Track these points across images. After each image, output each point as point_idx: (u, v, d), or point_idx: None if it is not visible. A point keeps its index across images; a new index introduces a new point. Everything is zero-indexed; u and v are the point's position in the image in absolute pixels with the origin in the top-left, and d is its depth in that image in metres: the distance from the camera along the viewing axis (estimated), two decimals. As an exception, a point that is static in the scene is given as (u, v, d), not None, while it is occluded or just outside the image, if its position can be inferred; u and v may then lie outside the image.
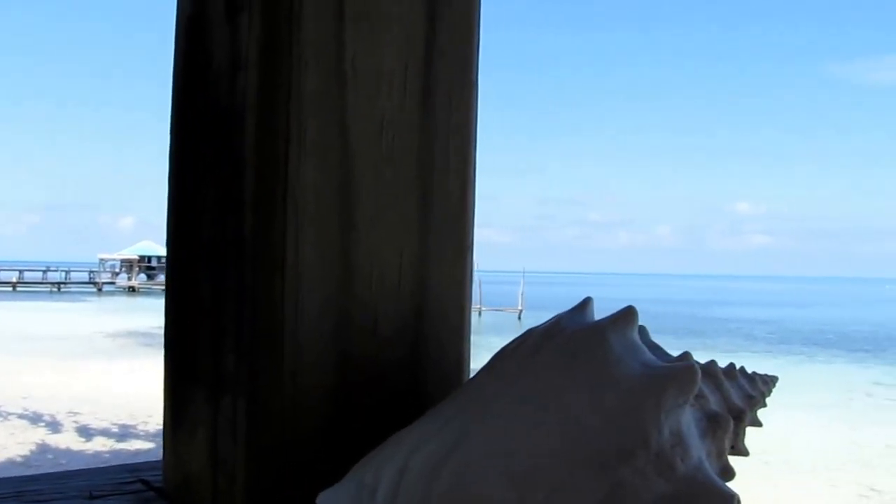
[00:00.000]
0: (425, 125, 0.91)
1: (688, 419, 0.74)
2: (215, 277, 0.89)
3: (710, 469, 0.73)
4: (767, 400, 0.97)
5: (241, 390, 0.85)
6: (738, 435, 0.86)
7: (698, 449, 0.73)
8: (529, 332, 0.80)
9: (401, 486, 0.67)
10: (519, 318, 60.05)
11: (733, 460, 0.87)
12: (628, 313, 0.79)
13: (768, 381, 0.97)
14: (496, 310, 62.95)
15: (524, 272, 65.22)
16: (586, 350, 0.73)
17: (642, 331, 0.85)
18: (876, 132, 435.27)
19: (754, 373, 0.95)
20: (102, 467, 1.14)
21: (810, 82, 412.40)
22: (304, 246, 0.84)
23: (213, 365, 0.88)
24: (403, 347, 0.90)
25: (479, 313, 61.81)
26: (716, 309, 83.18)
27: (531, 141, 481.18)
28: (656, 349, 0.83)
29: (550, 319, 0.80)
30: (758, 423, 0.93)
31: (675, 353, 0.88)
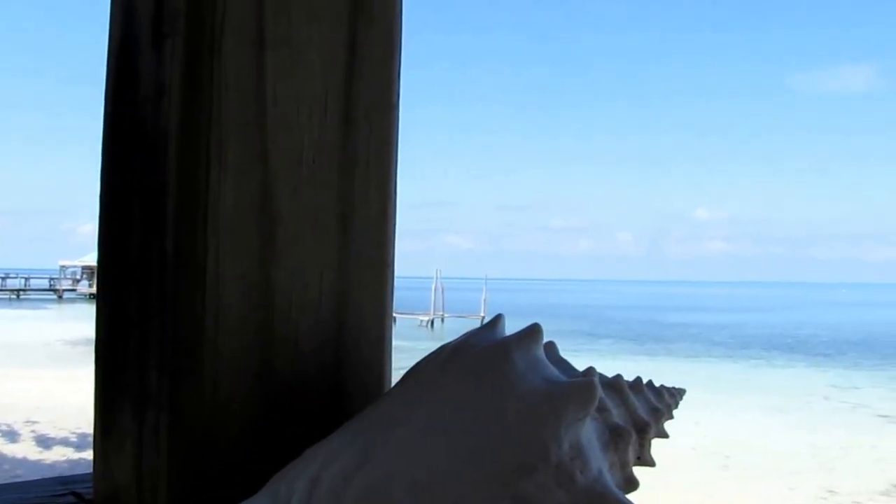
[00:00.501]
0: (346, 148, 0.93)
1: (588, 432, 0.75)
2: (141, 293, 0.90)
3: (611, 480, 0.75)
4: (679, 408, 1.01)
5: (163, 404, 0.87)
6: (644, 446, 0.89)
7: (599, 461, 0.75)
8: (441, 349, 0.82)
9: (312, 499, 0.69)
10: (481, 324, 59.92)
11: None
12: (533, 331, 0.81)
13: (675, 394, 0.99)
14: (459, 317, 63.02)
15: (486, 279, 65.35)
16: (491, 366, 0.74)
17: (551, 346, 0.87)
18: (831, 140, 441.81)
19: (662, 386, 0.98)
20: (35, 480, 1.14)
21: (770, 90, 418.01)
22: (225, 264, 0.86)
23: (139, 378, 0.90)
24: (325, 359, 0.92)
25: (442, 320, 61.94)
26: (676, 315, 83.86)
27: (493, 147, 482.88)
28: (563, 365, 0.85)
29: (461, 336, 0.83)
30: (664, 435, 0.95)
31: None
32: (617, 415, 0.86)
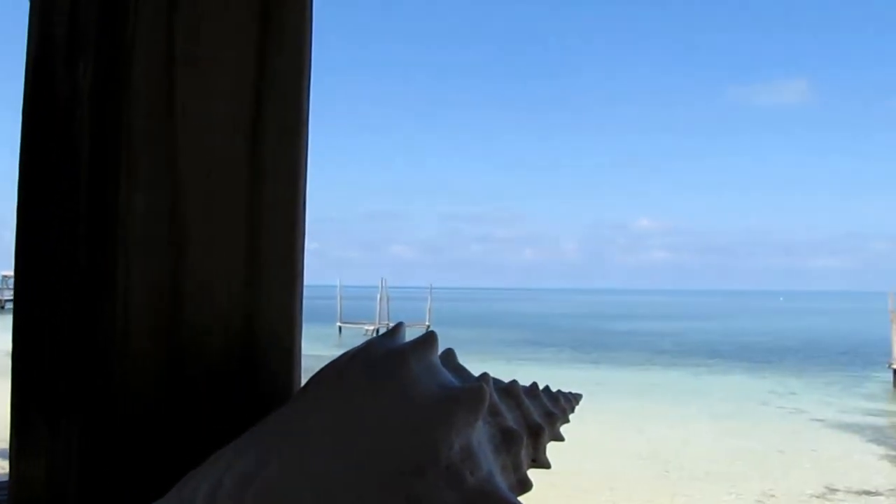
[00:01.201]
0: (255, 163, 0.95)
1: (480, 435, 0.79)
2: (54, 303, 0.92)
3: (501, 481, 0.79)
4: (574, 415, 1.05)
5: (75, 412, 0.89)
6: (539, 449, 0.93)
7: (489, 462, 0.79)
8: (343, 355, 0.86)
9: (215, 500, 0.71)
10: (427, 333, 59.99)
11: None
12: (429, 338, 0.87)
13: (571, 399, 1.04)
14: (405, 325, 62.65)
15: (431, 288, 65.32)
16: (387, 372, 0.78)
17: (449, 354, 0.92)
18: (771, 152, 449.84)
19: (559, 391, 1.02)
20: None
21: (711, 103, 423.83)
22: (134, 272, 0.89)
23: (51, 387, 0.91)
24: (234, 368, 0.94)
25: (388, 329, 61.58)
26: (620, 323, 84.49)
27: (439, 159, 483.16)
28: (460, 371, 0.89)
29: (362, 343, 0.87)
30: (560, 438, 0.99)
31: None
32: (510, 419, 0.89)
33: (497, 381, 0.93)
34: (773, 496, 13.73)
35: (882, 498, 13.80)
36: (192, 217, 0.91)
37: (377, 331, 59.45)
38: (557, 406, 0.99)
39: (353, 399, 0.76)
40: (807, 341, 57.12)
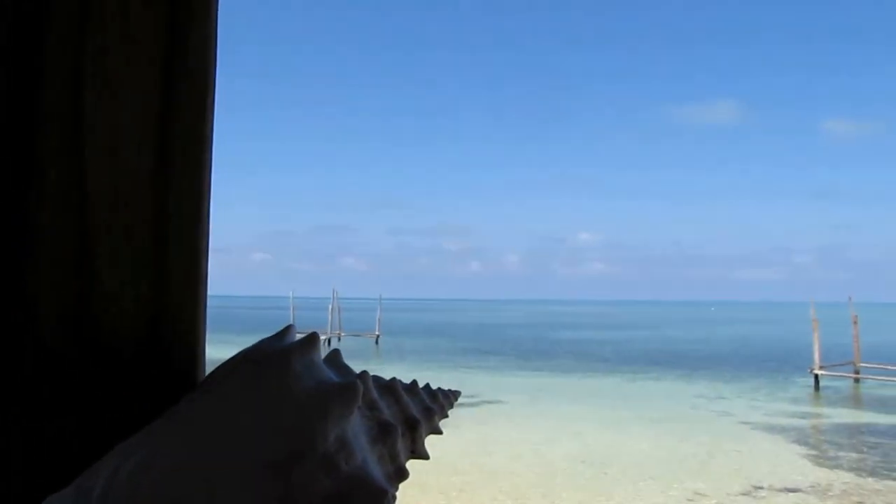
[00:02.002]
0: (160, 177, 0.96)
1: (354, 427, 0.85)
2: None
3: (375, 469, 0.85)
4: (460, 410, 1.15)
5: None
6: (417, 441, 0.99)
7: (364, 452, 0.84)
8: (237, 354, 0.89)
9: (111, 490, 0.76)
10: (376, 342, 59.91)
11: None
12: (311, 339, 0.91)
13: (450, 396, 1.09)
14: (354, 335, 62.51)
15: (381, 299, 65.08)
16: (272, 370, 0.84)
17: (335, 354, 0.98)
18: (703, 169, 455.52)
19: (438, 389, 1.08)
20: None
21: (646, 121, 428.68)
22: (44, 283, 0.89)
23: None
24: (140, 372, 0.94)
25: (339, 338, 61.22)
26: (561, 332, 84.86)
27: (388, 173, 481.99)
28: (343, 369, 0.95)
29: (254, 343, 0.91)
30: (438, 431, 1.05)
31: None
32: (388, 413, 0.95)
33: (378, 379, 0.98)
34: (702, 495, 13.92)
35: (803, 494, 14.10)
36: (99, 226, 0.92)
37: (328, 340, 59.06)
38: (436, 402, 1.04)
39: (241, 394, 0.81)
40: (735, 349, 57.96)
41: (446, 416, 1.07)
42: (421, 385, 1.07)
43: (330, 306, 60.51)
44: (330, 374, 0.90)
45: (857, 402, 29.47)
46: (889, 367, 34.52)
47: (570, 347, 58.94)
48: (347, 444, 0.82)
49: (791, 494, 14.11)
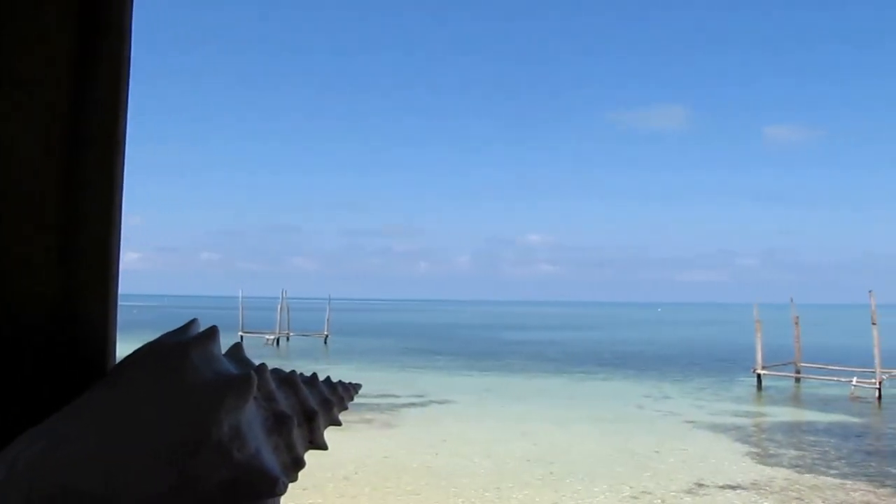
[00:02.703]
0: (69, 177, 0.96)
1: (249, 417, 0.87)
2: None
3: (269, 458, 0.87)
4: (355, 402, 1.11)
5: None
6: (315, 432, 1.00)
7: (258, 441, 0.86)
8: (141, 347, 0.91)
9: (11, 476, 0.78)
10: (325, 342, 59.66)
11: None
12: (211, 332, 0.93)
13: (349, 388, 1.11)
14: (303, 335, 62.19)
15: (330, 299, 64.81)
16: (171, 362, 0.86)
17: (237, 347, 1.00)
18: (649, 173, 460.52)
19: (338, 382, 1.10)
20: None
21: (594, 126, 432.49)
22: None
23: None
24: (51, 361, 0.95)
25: (288, 339, 60.88)
26: (511, 333, 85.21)
27: (338, 173, 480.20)
28: (242, 362, 0.97)
29: (158, 336, 0.93)
30: (337, 423, 1.07)
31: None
32: (285, 404, 0.96)
33: (279, 372, 1.01)
34: (648, 493, 14.11)
35: (744, 491, 14.36)
36: (6, 226, 0.92)
37: (277, 340, 58.71)
38: (335, 394, 1.06)
39: (141, 385, 0.84)
40: (681, 349, 58.70)
41: (346, 409, 1.09)
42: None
43: (279, 306, 60.11)
44: (228, 367, 0.92)
45: (797, 401, 30.07)
46: (828, 367, 35.27)
47: (519, 348, 59.23)
48: (241, 434, 0.84)
49: (733, 491, 14.36)
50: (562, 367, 42.69)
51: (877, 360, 30.02)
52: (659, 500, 13.60)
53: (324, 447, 1.02)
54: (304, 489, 13.62)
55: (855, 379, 30.81)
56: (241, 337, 59.43)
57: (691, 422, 23.55)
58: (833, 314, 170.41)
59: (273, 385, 0.97)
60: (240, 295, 62.77)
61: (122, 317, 1.10)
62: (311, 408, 1.01)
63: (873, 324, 30.37)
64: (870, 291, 31.04)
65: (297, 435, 0.96)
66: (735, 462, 17.28)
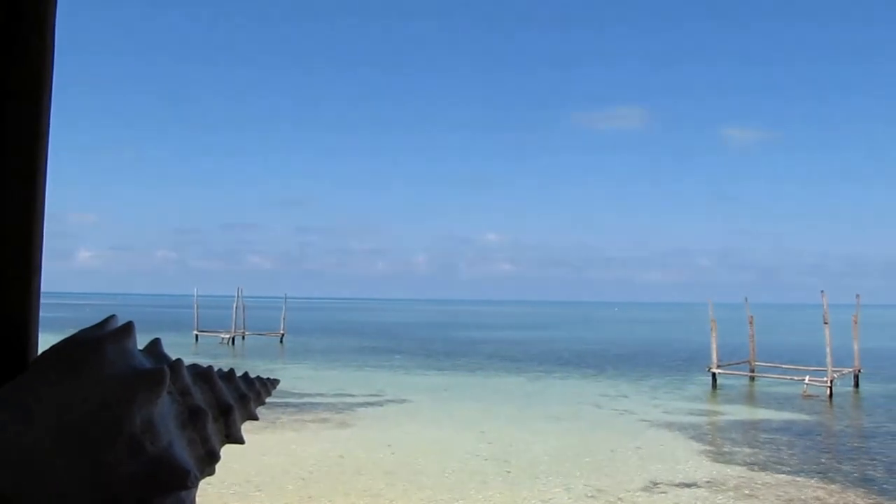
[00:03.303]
0: None
1: (162, 411, 0.90)
2: None
3: (182, 451, 0.91)
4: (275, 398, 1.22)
5: None
6: (231, 426, 1.04)
7: (171, 435, 0.90)
8: (60, 341, 0.94)
9: None
10: (281, 341, 59.34)
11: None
12: (126, 328, 0.96)
13: (267, 384, 1.15)
14: (259, 334, 61.84)
15: (286, 298, 64.41)
16: (87, 356, 0.89)
17: (155, 342, 1.02)
18: (609, 173, 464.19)
19: (256, 377, 1.13)
20: None
21: (555, 127, 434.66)
22: None
23: None
24: None
25: (243, 338, 60.44)
26: (468, 332, 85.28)
27: (295, 171, 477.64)
28: (159, 357, 1.00)
29: (77, 331, 0.96)
30: (255, 417, 1.10)
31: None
32: (200, 399, 0.99)
33: (196, 367, 1.04)
34: (603, 491, 14.20)
35: (699, 489, 14.52)
36: None
37: (232, 339, 58.29)
38: (252, 389, 1.09)
39: (56, 379, 0.87)
40: (638, 349, 59.20)
41: (263, 404, 1.12)
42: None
43: (234, 305, 59.63)
44: (143, 361, 0.95)
45: (751, 399, 30.46)
46: (782, 366, 35.83)
47: (477, 347, 59.32)
48: (154, 427, 0.88)
49: (688, 489, 14.51)
50: (519, 366, 42.83)
51: (828, 359, 30.55)
52: (615, 499, 13.68)
53: (240, 441, 1.06)
54: (258, 489, 13.55)
55: (807, 377, 31.32)
56: (197, 336, 59.05)
57: (647, 420, 23.75)
58: (787, 314, 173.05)
59: (188, 380, 1.00)
60: (195, 293, 62.18)
61: (75, 315, 1.10)
62: (227, 402, 1.04)
63: (825, 323, 30.88)
64: (822, 292, 31.55)
65: (213, 429, 1.00)
66: (690, 460, 17.47)
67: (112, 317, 1.01)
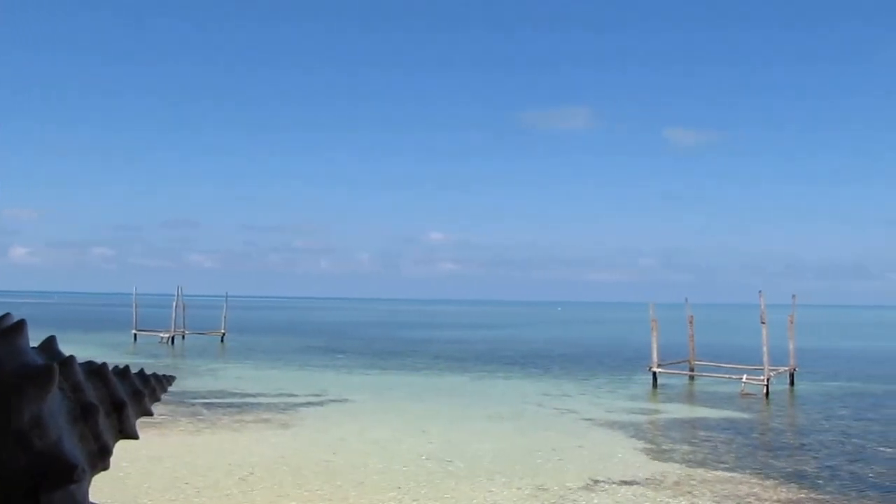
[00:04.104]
0: None
1: (52, 407, 0.91)
2: None
3: (72, 446, 0.91)
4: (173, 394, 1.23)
5: None
6: (124, 422, 1.05)
7: (61, 430, 0.90)
8: None
9: None
10: (222, 340, 58.74)
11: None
12: (17, 326, 0.97)
13: (162, 381, 1.17)
14: (200, 333, 61.15)
15: (227, 296, 63.75)
16: None
17: (50, 340, 1.04)
18: (555, 173, 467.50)
19: (152, 374, 1.15)
20: None
21: (502, 125, 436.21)
22: None
23: None
24: None
25: (183, 337, 59.66)
26: (411, 331, 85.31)
27: (238, 169, 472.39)
28: (52, 354, 1.01)
29: None
30: (149, 413, 1.12)
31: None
32: (92, 395, 1.00)
33: (90, 364, 1.04)
34: (544, 489, 14.32)
35: (639, 486, 14.72)
36: None
37: (171, 339, 57.54)
38: (147, 386, 1.10)
39: None
40: (580, 348, 59.77)
41: (158, 400, 1.15)
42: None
43: (174, 303, 58.89)
44: (34, 358, 0.95)
45: (690, 398, 30.95)
46: (721, 365, 36.47)
47: (420, 346, 59.38)
48: (42, 423, 0.88)
49: (628, 487, 14.70)
50: (463, 365, 42.96)
51: (765, 358, 31.17)
52: (556, 497, 13.81)
53: (134, 437, 1.07)
54: (197, 490, 13.44)
55: (745, 376, 31.91)
56: (135, 335, 58.15)
57: (589, 419, 23.99)
58: (728, 314, 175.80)
59: (81, 376, 1.01)
60: (133, 292, 61.26)
61: (12, 313, 1.11)
62: (121, 398, 1.06)
63: (762, 323, 31.48)
64: (760, 292, 32.17)
65: (105, 425, 1.01)
66: (630, 458, 17.70)
67: (6, 315, 1.01)
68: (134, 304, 59.51)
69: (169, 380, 1.17)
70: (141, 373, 1.11)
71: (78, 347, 50.54)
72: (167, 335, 58.05)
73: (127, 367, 1.07)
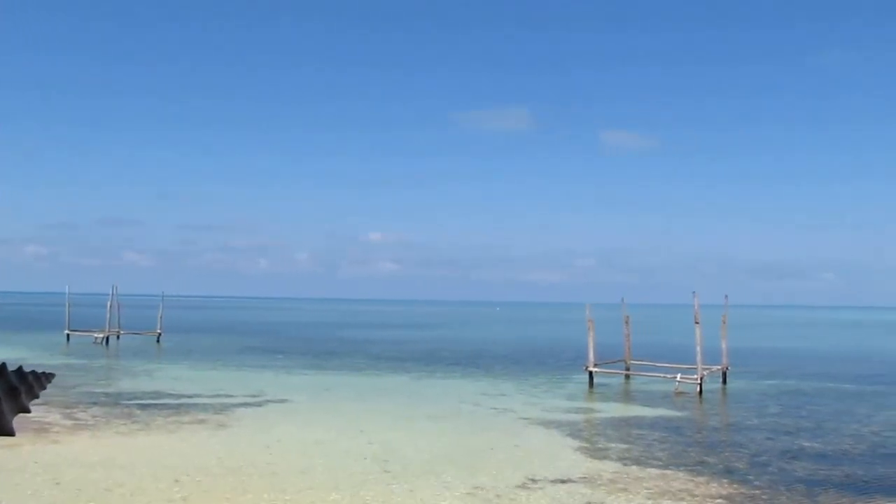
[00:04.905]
0: None
1: None
2: None
3: None
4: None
5: None
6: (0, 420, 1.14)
7: None
8: None
9: None
10: (158, 340, 57.97)
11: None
12: None
13: (42, 378, 1.26)
14: (135, 333, 60.22)
15: (163, 296, 62.92)
16: None
17: None
18: (493, 173, 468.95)
19: (31, 371, 1.25)
20: None
21: (437, 127, 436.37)
22: None
23: None
24: None
25: (118, 337, 58.76)
26: (350, 331, 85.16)
27: (176, 166, 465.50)
28: None
29: None
30: (26, 410, 1.21)
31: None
32: None
33: None
34: (481, 488, 14.37)
35: (575, 484, 14.87)
36: None
37: (106, 339, 56.58)
38: (24, 383, 1.15)
39: None
40: (519, 348, 60.28)
41: (37, 397, 1.18)
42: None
43: (108, 303, 57.94)
44: None
45: (626, 397, 31.39)
46: (655, 364, 37.11)
47: (359, 347, 59.35)
48: None
49: (564, 485, 14.83)
50: (401, 365, 43.04)
51: (699, 358, 31.76)
52: (493, 496, 13.86)
53: (10, 433, 1.11)
54: (131, 494, 13.25)
55: (679, 375, 32.50)
56: (68, 336, 57.07)
57: (526, 418, 24.16)
58: (664, 314, 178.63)
59: None
60: (66, 291, 60.11)
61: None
62: None
63: (696, 323, 32.05)
64: (693, 292, 32.74)
65: None
66: (566, 456, 17.85)
67: None
68: (67, 304, 58.38)
69: (48, 377, 1.19)
70: (20, 370, 1.14)
71: (7, 349, 49.46)
72: (101, 335, 57.07)
73: (4, 365, 1.10)
